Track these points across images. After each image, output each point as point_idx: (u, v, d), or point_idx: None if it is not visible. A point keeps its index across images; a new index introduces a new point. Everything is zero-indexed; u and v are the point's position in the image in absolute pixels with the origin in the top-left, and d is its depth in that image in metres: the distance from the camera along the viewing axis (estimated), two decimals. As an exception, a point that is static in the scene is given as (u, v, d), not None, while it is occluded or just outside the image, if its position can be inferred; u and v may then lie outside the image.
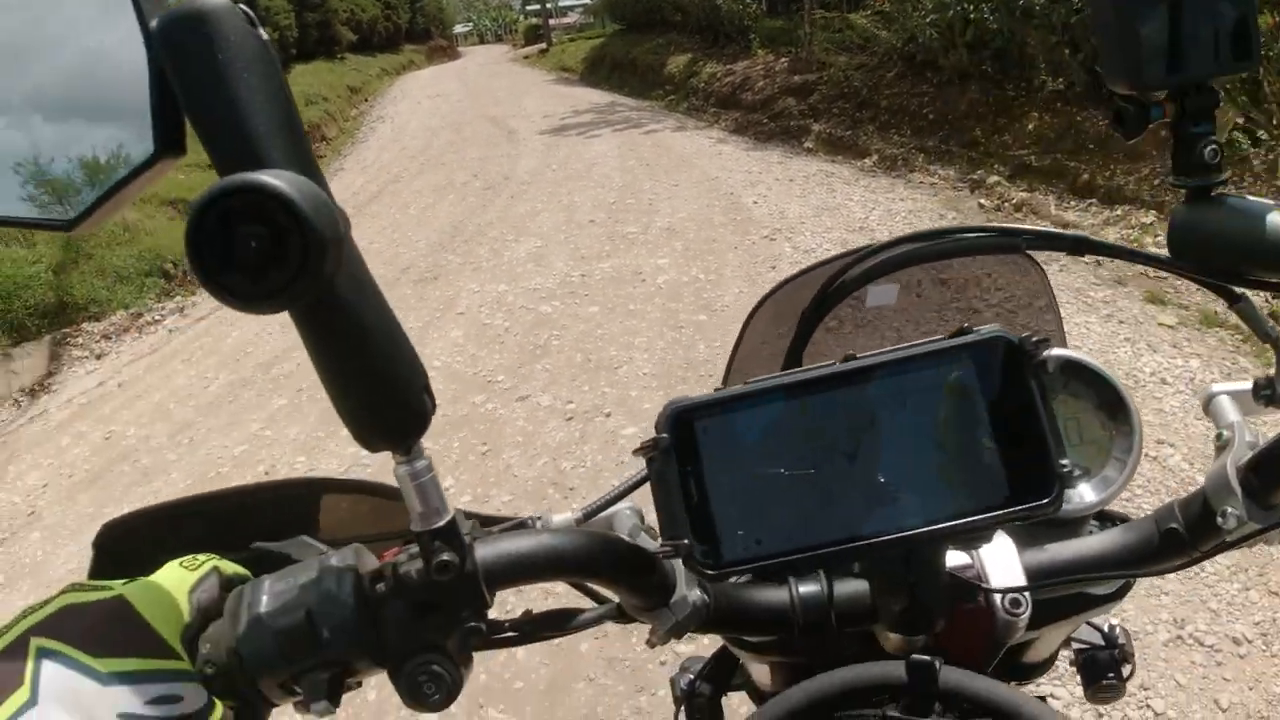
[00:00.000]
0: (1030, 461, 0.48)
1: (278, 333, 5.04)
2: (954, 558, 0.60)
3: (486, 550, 0.46)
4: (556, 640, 2.31)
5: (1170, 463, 2.71)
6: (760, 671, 0.88)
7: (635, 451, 0.50)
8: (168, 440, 3.97)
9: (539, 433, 3.46)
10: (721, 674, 1.06)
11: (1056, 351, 0.67)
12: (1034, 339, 0.49)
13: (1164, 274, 3.06)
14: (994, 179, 6.02)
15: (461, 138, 10.71)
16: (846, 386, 0.49)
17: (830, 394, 0.49)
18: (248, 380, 4.49)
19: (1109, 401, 0.66)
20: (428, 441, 0.44)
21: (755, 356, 0.81)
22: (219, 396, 4.36)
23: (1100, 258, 0.67)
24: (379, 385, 0.40)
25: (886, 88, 8.14)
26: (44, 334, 5.34)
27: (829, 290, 0.68)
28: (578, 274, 5.25)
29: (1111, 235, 4.64)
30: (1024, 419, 0.49)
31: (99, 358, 5.27)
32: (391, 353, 0.40)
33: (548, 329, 4.49)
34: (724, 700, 1.06)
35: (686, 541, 0.48)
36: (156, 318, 5.81)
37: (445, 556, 0.43)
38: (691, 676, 1.08)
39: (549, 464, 3.23)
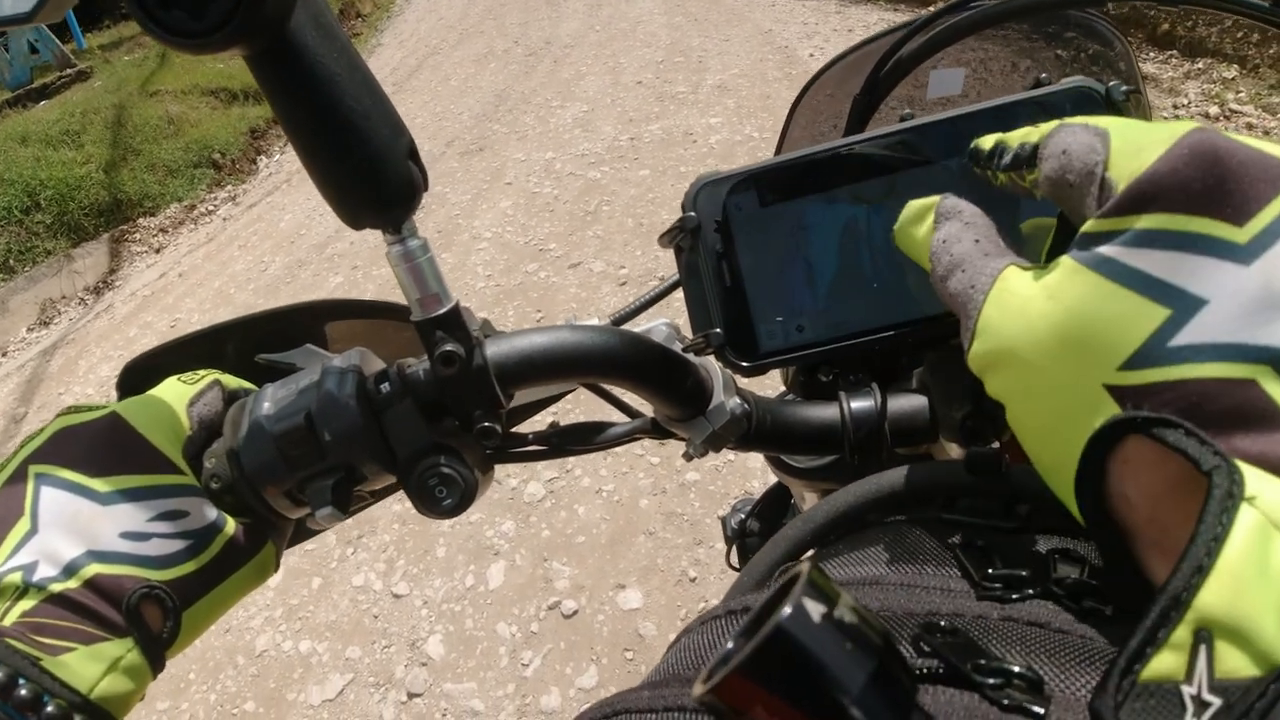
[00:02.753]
0: None
1: (330, 214, 5.03)
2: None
3: (498, 346, 0.42)
4: (616, 496, 2.32)
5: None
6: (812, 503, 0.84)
7: (661, 238, 0.44)
8: (232, 322, 4.05)
9: (592, 299, 3.43)
10: (773, 513, 1.04)
11: None
12: (1123, 88, 0.41)
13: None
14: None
15: (499, 3, 10.27)
16: (905, 152, 0.42)
17: (886, 161, 0.42)
18: (303, 261, 4.53)
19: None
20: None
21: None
22: (277, 278, 4.41)
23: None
24: (355, 147, 0.35)
25: (952, -81, 7.47)
26: (102, 233, 5.39)
27: (884, 68, 0.60)
28: (626, 137, 5.08)
29: (1192, 90, 4.28)
30: None
31: (158, 251, 5.35)
32: (368, 109, 0.35)
33: (598, 195, 4.39)
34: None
35: (718, 330, 0.43)
36: (210, 208, 5.84)
37: (449, 347, 0.39)
38: (742, 516, 1.05)
39: (603, 329, 3.21)
